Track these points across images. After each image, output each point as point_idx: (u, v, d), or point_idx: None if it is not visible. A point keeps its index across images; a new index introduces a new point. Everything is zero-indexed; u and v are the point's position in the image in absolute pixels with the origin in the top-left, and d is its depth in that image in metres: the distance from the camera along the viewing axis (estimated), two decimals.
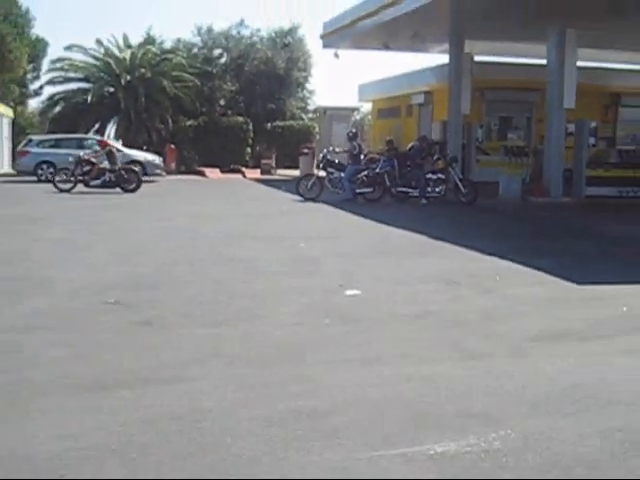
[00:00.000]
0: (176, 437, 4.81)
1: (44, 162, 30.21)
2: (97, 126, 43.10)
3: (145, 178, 30.39)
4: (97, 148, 30.86)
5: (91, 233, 15.10)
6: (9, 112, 39.35)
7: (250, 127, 42.71)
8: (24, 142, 33.09)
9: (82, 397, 5.57)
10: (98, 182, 25.39)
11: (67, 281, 9.99)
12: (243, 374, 6.17)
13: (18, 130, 41.18)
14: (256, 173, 36.91)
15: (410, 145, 27.06)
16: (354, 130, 25.86)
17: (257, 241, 14.06)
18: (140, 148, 34.78)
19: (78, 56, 46.18)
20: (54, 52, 47.06)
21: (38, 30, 46.47)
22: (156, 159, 32.55)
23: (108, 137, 39.23)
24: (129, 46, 46.39)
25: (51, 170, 29.99)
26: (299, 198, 23.04)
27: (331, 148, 25.84)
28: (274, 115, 45.15)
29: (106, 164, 25.78)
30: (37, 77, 48.40)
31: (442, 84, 30.35)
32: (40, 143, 31.99)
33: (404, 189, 23.25)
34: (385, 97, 38.30)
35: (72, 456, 4.45)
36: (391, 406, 5.44)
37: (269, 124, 43.23)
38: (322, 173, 24.47)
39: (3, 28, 40.13)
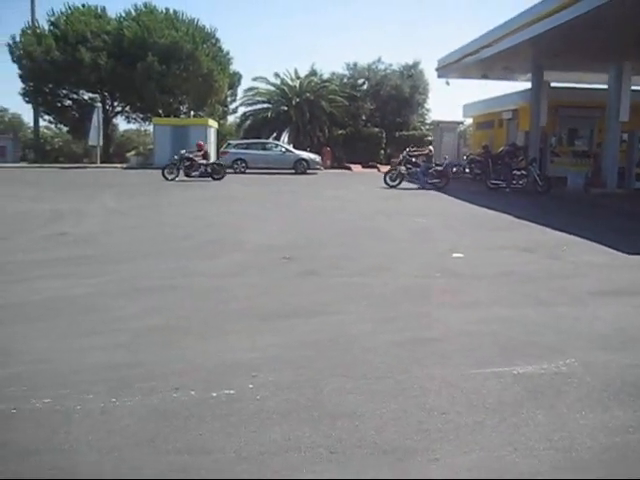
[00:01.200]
0: (332, 353, 4.92)
1: (239, 159, 31.01)
2: (275, 134, 43.83)
3: (308, 171, 30.85)
4: (281, 149, 31.62)
5: (264, 209, 15.40)
6: (215, 124, 40.35)
7: (383, 135, 42.75)
8: (225, 145, 33.93)
9: (265, 323, 5.75)
10: (197, 173, 25.18)
11: (252, 242, 10.27)
12: (379, 310, 6.23)
13: (221, 137, 42.20)
14: (387, 168, 36.75)
15: (501, 149, 26.68)
16: (430, 139, 25.98)
17: (384, 216, 14.05)
18: (305, 149, 35.16)
19: (262, 85, 47.17)
20: (245, 82, 47.96)
21: (235, 66, 47.40)
22: (316, 157, 32.96)
23: (283, 142, 39.77)
24: (298, 77, 47.01)
25: (243, 165, 30.75)
26: (414, 186, 22.92)
27: (407, 150, 25.29)
28: (401, 127, 44.97)
29: (203, 161, 25.53)
30: (234, 100, 49.42)
31: (525, 103, 29.52)
32: (236, 146, 32.78)
33: (495, 181, 22.84)
34: (483, 113, 37.39)
35: (258, 363, 4.61)
36: (485, 337, 5.40)
37: (397, 133, 42.94)
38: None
39: (211, 65, 41.16)
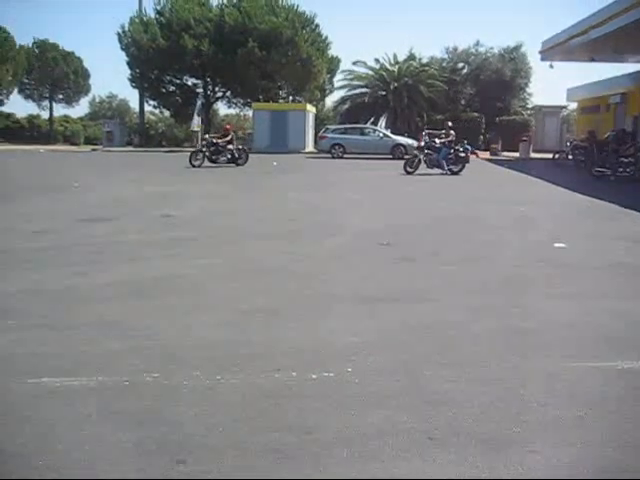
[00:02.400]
0: (429, 339, 4.94)
1: (336, 144, 31.16)
2: (372, 119, 43.77)
3: (406, 156, 30.60)
4: (379, 134, 31.42)
5: (363, 194, 15.42)
6: (313, 109, 40.73)
7: (483, 120, 41.96)
8: (323, 130, 34.21)
9: (364, 307, 5.81)
10: (224, 159, 23.90)
11: (352, 227, 10.36)
12: (477, 298, 6.17)
13: (318, 121, 42.53)
14: (486, 154, 36.02)
15: (607, 135, 25.50)
16: (450, 124, 23.82)
17: (485, 203, 13.80)
18: (402, 135, 34.92)
19: (361, 69, 47.21)
20: (344, 66, 47.98)
21: (333, 51, 47.56)
22: (414, 143, 32.58)
23: (380, 127, 39.60)
24: (397, 62, 46.74)
25: (341, 150, 30.85)
26: (508, 169, 22.30)
27: (426, 133, 23.74)
28: (501, 112, 43.90)
29: (230, 146, 24.21)
30: (332, 84, 49.63)
31: (636, 87, 28.26)
32: (334, 131, 32.98)
33: (600, 169, 21.83)
34: (588, 97, 36.05)
35: (357, 347, 4.68)
36: (588, 330, 5.26)
37: (497, 118, 41.97)
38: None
39: (310, 51, 41.41)
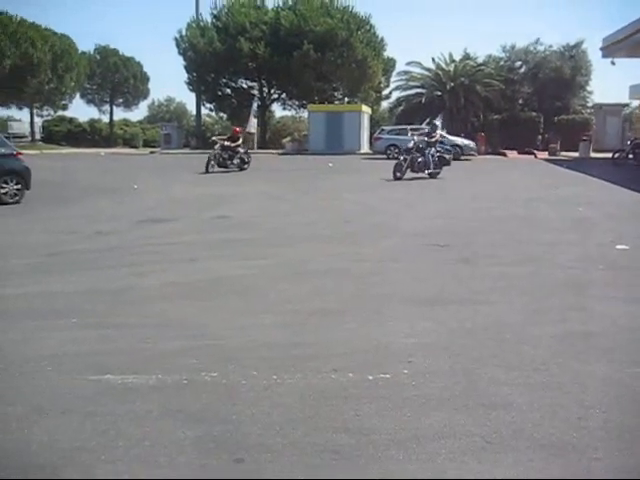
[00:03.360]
0: (486, 342, 4.87)
1: (391, 145, 31.00)
2: (428, 120, 43.41)
3: (462, 157, 30.26)
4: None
5: (419, 195, 15.33)
6: (368, 110, 40.64)
7: (541, 120, 41.09)
8: (378, 131, 34.07)
9: (420, 309, 5.77)
10: (236, 163, 22.68)
11: (408, 228, 10.31)
12: (535, 301, 6.07)
13: (374, 122, 42.44)
14: (544, 154, 35.29)
15: None
16: (437, 122, 24.09)
17: (543, 203, 13.55)
18: (459, 135, 34.55)
19: (416, 69, 46.95)
20: (399, 67, 47.81)
21: (389, 52, 47.38)
22: (471, 143, 32.34)
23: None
24: (453, 61, 46.30)
25: (397, 151, 30.68)
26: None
27: (411, 134, 22.91)
28: (560, 111, 42.92)
29: (241, 149, 23.12)
30: (387, 85, 49.42)
31: None
32: (389, 132, 32.80)
33: None
34: None
35: (413, 349, 4.66)
36: None
37: (556, 118, 41.00)
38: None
39: (365, 52, 41.35)
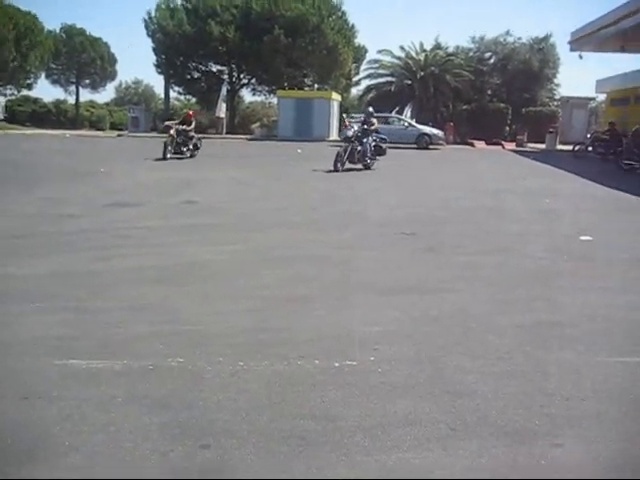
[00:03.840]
0: (451, 331, 4.91)
1: None
2: (397, 108, 43.53)
3: (431, 146, 30.44)
4: (404, 124, 31.09)
5: (386, 184, 15.39)
6: (338, 97, 40.63)
7: (509, 111, 41.47)
8: (347, 118, 34.11)
9: (387, 297, 5.80)
10: (190, 149, 21.17)
11: (374, 216, 10.36)
12: (500, 291, 6.14)
13: (343, 110, 42.41)
14: (512, 146, 35.67)
15: (636, 127, 25.22)
16: (371, 109, 20.80)
17: (510, 194, 13.68)
18: (427, 124, 34.73)
19: (386, 58, 47.11)
20: (370, 55, 47.96)
21: (360, 40, 47.38)
22: (439, 133, 32.57)
23: (405, 116, 39.40)
24: (424, 50, 46.53)
25: None
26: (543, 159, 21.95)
27: (348, 122, 20.18)
28: (528, 103, 43.43)
29: (192, 135, 21.42)
30: (357, 73, 49.46)
31: None
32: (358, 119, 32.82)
33: (629, 162, 21.59)
34: (618, 89, 35.49)
35: (380, 337, 4.69)
36: (615, 325, 5.20)
37: (524, 109, 41.46)
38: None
39: (336, 39, 41.29)
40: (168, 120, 22.88)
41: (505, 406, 3.64)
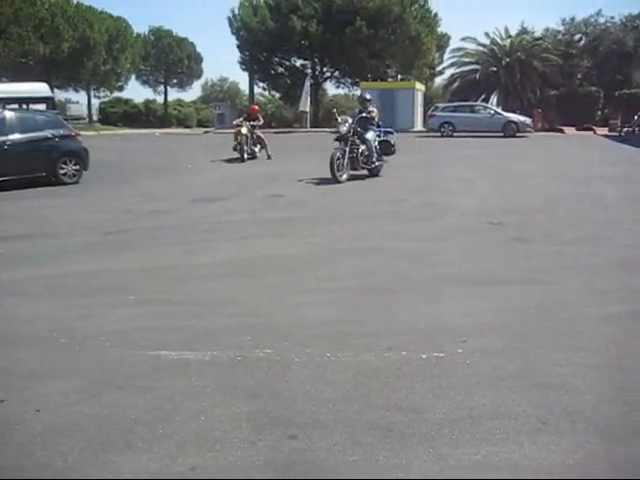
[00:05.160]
0: (542, 323, 4.77)
1: (445, 122, 30.58)
2: (483, 97, 42.74)
3: (518, 134, 29.64)
4: (489, 112, 30.45)
5: (474, 173, 15.08)
6: (422, 87, 40.19)
7: (601, 95, 39.94)
8: (432, 108, 33.64)
9: (475, 288, 5.70)
10: (254, 150, 19.17)
11: (462, 206, 10.18)
12: (594, 281, 5.92)
13: (427, 100, 41.93)
14: (604, 131, 34.37)
15: None
16: (368, 96, 15.29)
17: (602, 181, 13.16)
18: (514, 112, 33.86)
19: (471, 45, 46.21)
20: (454, 43, 47.19)
21: (443, 28, 46.69)
22: (527, 120, 31.59)
23: (491, 104, 38.57)
24: (509, 36, 45.44)
25: (451, 128, 30.24)
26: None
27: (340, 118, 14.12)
28: (621, 85, 41.59)
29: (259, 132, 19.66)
30: (441, 62, 48.81)
31: None
32: (443, 109, 32.31)
33: None
34: None
35: (468, 328, 4.61)
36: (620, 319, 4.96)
37: (617, 92, 39.81)
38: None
39: (419, 28, 40.82)
40: (236, 119, 21.13)
41: (600, 401, 3.51)
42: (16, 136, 13.49)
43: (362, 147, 13.63)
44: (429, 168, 16.43)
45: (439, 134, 30.15)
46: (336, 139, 13.57)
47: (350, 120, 13.73)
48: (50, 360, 4.17)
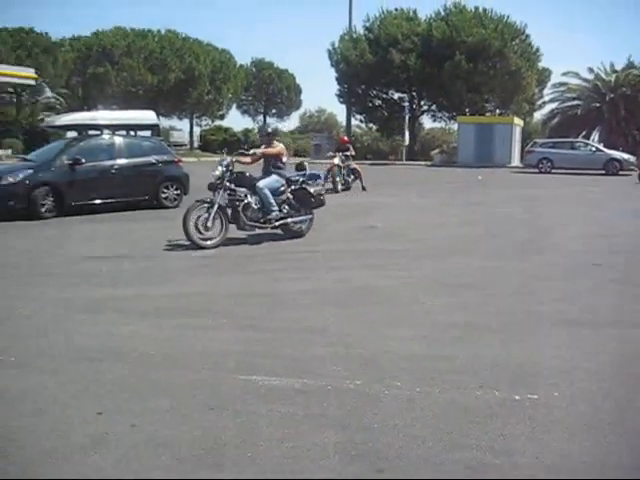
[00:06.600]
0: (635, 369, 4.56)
1: (544, 158, 29.90)
2: (584, 133, 41.63)
3: (621, 172, 28.59)
4: (590, 148, 29.48)
5: (574, 210, 14.65)
6: (520, 122, 39.55)
7: None
8: (530, 144, 33.00)
9: (572, 330, 5.44)
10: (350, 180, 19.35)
11: (563, 245, 9.85)
12: None
13: (525, 135, 41.18)
14: None
15: None
16: (270, 127, 12.13)
17: None
18: (617, 149, 32.75)
19: (573, 80, 45.25)
20: (555, 78, 46.32)
21: (544, 62, 45.91)
22: (630, 158, 30.48)
23: (592, 141, 37.47)
24: (615, 71, 44.16)
25: (549, 164, 29.53)
26: None
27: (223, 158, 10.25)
28: None
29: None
30: (541, 96, 47.96)
31: None
32: (542, 145, 31.63)
33: None
34: None
35: (563, 371, 4.44)
36: None
37: None
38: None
39: (519, 62, 40.32)
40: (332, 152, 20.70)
41: None
42: (123, 161, 14.14)
43: (251, 198, 9.85)
44: (525, 203, 16.07)
45: (537, 170, 29.51)
46: (209, 188, 9.86)
47: (228, 160, 9.90)
48: (145, 378, 4.30)
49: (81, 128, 19.15)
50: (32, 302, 6.35)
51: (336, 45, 44.78)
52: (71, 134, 20.05)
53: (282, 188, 10.22)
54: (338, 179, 18.83)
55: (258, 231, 10.18)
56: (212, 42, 52.73)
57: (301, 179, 10.47)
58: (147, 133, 23.33)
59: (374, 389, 4.06)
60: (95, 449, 3.32)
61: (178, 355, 4.73)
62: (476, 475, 3.08)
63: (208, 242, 9.38)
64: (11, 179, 13.05)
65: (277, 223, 10.09)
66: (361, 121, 49.83)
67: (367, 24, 45.29)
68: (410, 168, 34.05)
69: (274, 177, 10.19)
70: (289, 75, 60.50)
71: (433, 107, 46.39)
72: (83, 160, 13.40)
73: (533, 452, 3.30)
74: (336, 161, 19.03)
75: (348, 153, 19.70)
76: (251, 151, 10.33)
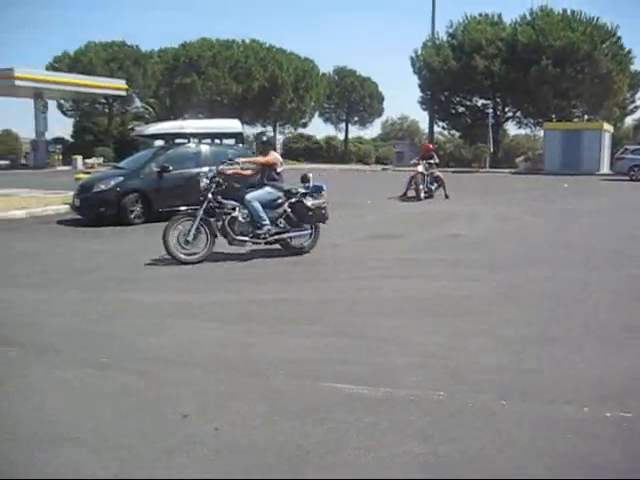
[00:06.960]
0: None
1: (635, 165, 28.85)
2: None
3: None
4: None
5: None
6: (610, 128, 38.29)
7: None
8: (620, 150, 31.91)
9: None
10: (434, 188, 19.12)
11: (601, 249, 9.80)
12: None
13: (616, 141, 39.83)
14: None
15: None
16: (265, 136, 10.43)
17: None
18: None
19: None
20: None
21: (637, 65, 44.26)
22: None
23: None
24: None
25: None
26: None
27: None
28: None
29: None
30: (633, 101, 46.24)
31: None
32: (633, 151, 30.48)
33: None
34: None
35: None
36: None
37: None
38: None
39: (610, 66, 39.06)
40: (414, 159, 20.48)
41: None
42: (208, 169, 14.41)
43: (239, 212, 9.29)
44: (616, 213, 15.54)
45: (627, 178, 28.50)
46: (198, 200, 9.26)
47: (214, 171, 9.57)
48: (229, 383, 4.39)
49: (169, 137, 19.70)
50: (123, 304, 6.62)
51: (419, 52, 44.61)
52: (159, 143, 20.64)
53: (279, 201, 9.60)
54: (421, 187, 18.71)
55: (252, 247, 9.63)
56: (295, 51, 53.63)
57: (302, 191, 9.71)
58: (231, 141, 23.79)
59: (458, 400, 4.02)
60: (182, 452, 3.41)
61: (261, 361, 4.78)
62: None
63: (190, 257, 8.90)
64: (103, 186, 13.59)
65: (271, 238, 9.48)
66: (444, 128, 49.48)
67: (450, 30, 44.96)
68: (493, 176, 33.45)
69: (266, 189, 9.58)
70: (371, 83, 60.53)
71: (518, 113, 45.53)
72: (171, 168, 13.79)
73: (624, 471, 3.19)
74: (420, 169, 18.90)
75: (432, 161, 19.51)
76: (239, 159, 10.09)
